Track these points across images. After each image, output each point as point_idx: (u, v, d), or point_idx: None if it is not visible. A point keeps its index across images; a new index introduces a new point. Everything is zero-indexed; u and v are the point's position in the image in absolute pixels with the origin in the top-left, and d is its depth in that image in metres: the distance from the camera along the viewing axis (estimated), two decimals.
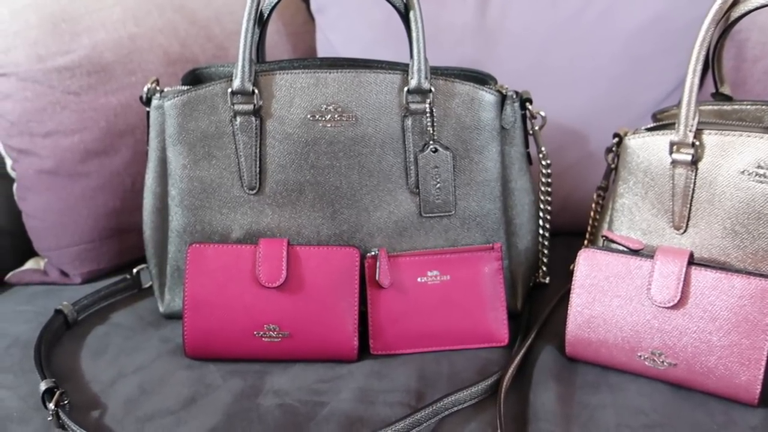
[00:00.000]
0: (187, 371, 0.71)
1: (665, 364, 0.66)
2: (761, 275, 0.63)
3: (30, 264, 0.92)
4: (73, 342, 0.76)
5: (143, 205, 0.79)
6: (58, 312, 0.78)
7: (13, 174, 0.91)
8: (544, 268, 0.85)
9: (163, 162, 0.77)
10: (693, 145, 0.67)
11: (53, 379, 0.66)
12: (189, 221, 0.76)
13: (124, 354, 0.74)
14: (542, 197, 0.82)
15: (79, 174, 0.88)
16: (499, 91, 0.75)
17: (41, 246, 0.90)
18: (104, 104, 0.89)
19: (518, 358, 0.70)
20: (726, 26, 0.71)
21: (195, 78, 0.80)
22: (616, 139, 0.76)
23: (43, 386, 0.65)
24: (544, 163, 0.80)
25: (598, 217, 0.82)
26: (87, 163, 0.88)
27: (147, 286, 0.86)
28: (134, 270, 0.86)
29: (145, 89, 0.76)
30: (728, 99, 0.77)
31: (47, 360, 0.71)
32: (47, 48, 0.87)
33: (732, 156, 0.66)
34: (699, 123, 0.68)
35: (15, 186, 0.91)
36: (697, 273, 0.65)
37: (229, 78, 0.73)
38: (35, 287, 0.89)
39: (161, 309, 0.80)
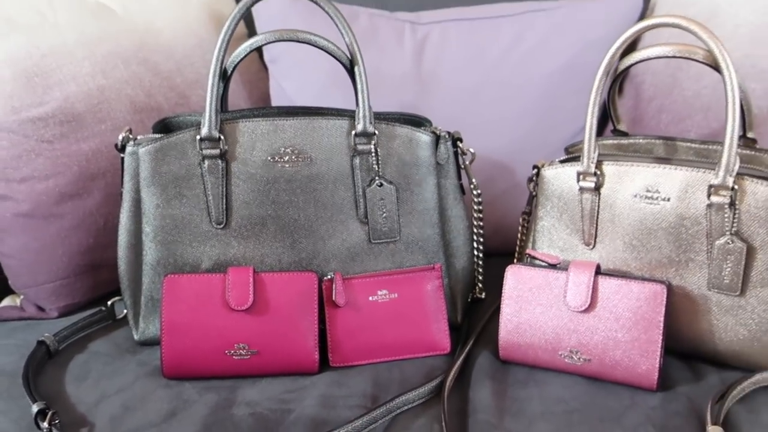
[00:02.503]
0: (166, 389, 0.78)
1: (581, 360, 0.78)
2: (654, 280, 0.76)
3: (6, 301, 0.98)
4: (56, 370, 0.82)
5: (118, 242, 0.86)
6: (40, 343, 0.84)
7: None
8: (480, 285, 0.96)
9: (137, 202, 0.85)
10: (595, 174, 0.80)
11: (44, 402, 0.73)
12: (162, 255, 0.84)
13: (105, 378, 0.81)
14: (475, 222, 0.93)
15: (54, 215, 0.94)
16: (433, 132, 0.86)
17: (18, 284, 0.96)
18: (76, 151, 0.96)
19: (458, 362, 0.81)
20: (616, 76, 0.85)
21: (164, 126, 0.88)
22: (535, 170, 0.87)
23: (35, 408, 0.72)
24: (475, 192, 0.91)
25: (524, 238, 0.94)
26: (61, 205, 0.95)
27: (121, 316, 0.92)
28: (109, 302, 0.92)
29: (120, 137, 0.84)
30: (625, 134, 0.90)
31: (34, 386, 0.78)
32: (21, 101, 0.93)
33: (626, 182, 0.79)
34: (599, 155, 0.81)
35: None
36: (603, 281, 0.77)
37: (197, 126, 0.83)
38: (14, 323, 0.94)
39: (136, 336, 0.87)
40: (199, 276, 0.81)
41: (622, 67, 0.83)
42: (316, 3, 0.82)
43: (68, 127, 0.95)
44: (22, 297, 0.97)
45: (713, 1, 1.01)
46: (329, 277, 0.82)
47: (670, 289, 0.76)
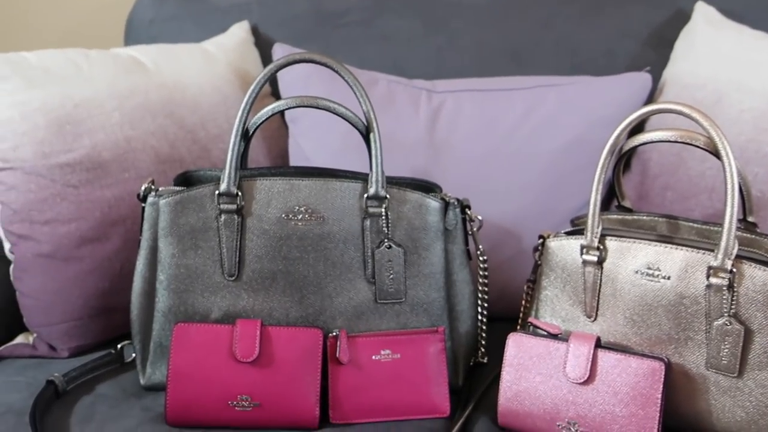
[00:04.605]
0: None
1: None
2: (653, 357, 0.77)
3: (20, 339, 1.01)
4: (62, 410, 0.84)
5: (132, 288, 0.89)
6: (49, 382, 0.86)
7: (10, 256, 1.00)
8: (483, 349, 0.96)
9: (154, 251, 0.88)
10: (598, 248, 0.82)
11: None
12: (174, 303, 0.87)
13: (110, 421, 0.82)
14: (480, 288, 0.94)
15: (73, 258, 0.97)
16: (443, 199, 0.89)
17: (33, 322, 0.98)
18: (100, 197, 0.99)
19: (457, 427, 0.81)
20: (621, 155, 0.88)
21: (186, 179, 0.92)
22: (541, 240, 0.90)
23: None
24: (481, 258, 0.94)
25: (528, 305, 0.95)
26: (81, 248, 0.98)
27: (129, 360, 0.94)
28: (118, 345, 0.94)
29: (143, 188, 0.88)
30: (629, 210, 0.92)
31: (41, 425, 0.79)
32: (52, 146, 0.98)
33: (628, 258, 0.81)
34: (603, 230, 0.83)
35: (12, 267, 1.00)
36: (602, 354, 0.78)
37: (217, 181, 0.86)
38: (25, 360, 0.96)
39: (142, 381, 0.89)
40: (208, 326, 0.83)
41: (626, 147, 0.86)
42: (336, 72, 0.87)
43: (94, 174, 0.99)
44: (35, 335, 1.00)
45: (719, 87, 1.05)
46: (334, 334, 0.84)
47: (669, 367, 0.77)
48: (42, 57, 1.04)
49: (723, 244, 0.75)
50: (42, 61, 1.03)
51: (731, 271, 0.74)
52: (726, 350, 0.75)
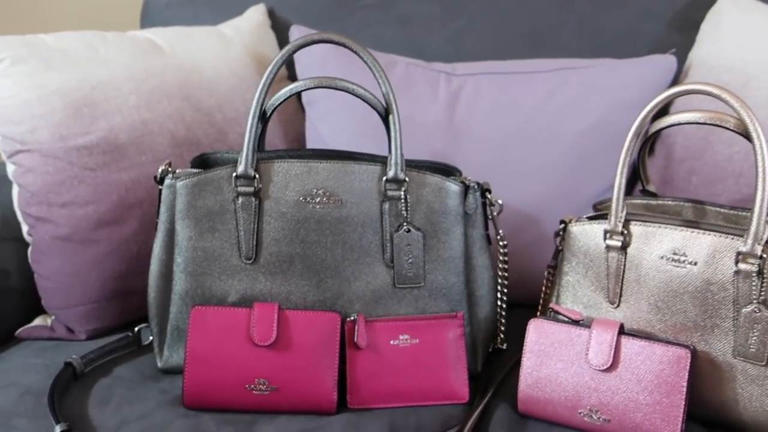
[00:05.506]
0: (185, 419, 0.79)
1: (601, 419, 0.77)
2: (678, 344, 0.75)
3: (38, 321, 1.01)
4: (80, 392, 0.84)
5: (150, 271, 0.88)
6: (68, 364, 0.86)
7: (28, 239, 1.00)
8: (502, 336, 0.95)
9: (171, 233, 0.87)
10: (622, 233, 0.80)
11: (66, 423, 0.75)
12: (191, 286, 0.86)
13: (127, 404, 0.82)
14: (500, 273, 0.93)
15: (90, 241, 0.97)
16: (463, 182, 0.88)
17: (51, 305, 0.99)
18: (117, 180, 0.99)
19: (476, 413, 0.80)
20: (646, 138, 0.86)
21: (203, 162, 0.91)
22: (562, 225, 0.88)
23: (57, 429, 0.74)
24: (501, 243, 0.92)
25: (548, 291, 0.93)
26: (98, 231, 0.98)
27: (146, 343, 0.94)
28: (136, 328, 0.94)
29: (160, 170, 0.87)
30: (654, 195, 0.90)
31: (59, 407, 0.79)
32: (69, 129, 0.98)
33: (653, 243, 0.79)
34: (627, 215, 0.82)
35: (30, 250, 1.00)
36: (626, 341, 0.77)
37: (234, 164, 0.85)
38: (43, 342, 0.97)
39: (159, 364, 0.89)
40: (226, 309, 0.83)
41: (652, 130, 0.84)
42: (355, 53, 0.85)
43: (111, 157, 0.99)
44: (53, 318, 1.00)
45: (748, 70, 1.02)
46: (352, 318, 0.83)
47: (695, 354, 0.75)
48: (59, 39, 1.04)
49: (753, 228, 0.72)
50: (59, 44, 1.03)
51: (761, 257, 0.72)
52: (754, 338, 0.73)
